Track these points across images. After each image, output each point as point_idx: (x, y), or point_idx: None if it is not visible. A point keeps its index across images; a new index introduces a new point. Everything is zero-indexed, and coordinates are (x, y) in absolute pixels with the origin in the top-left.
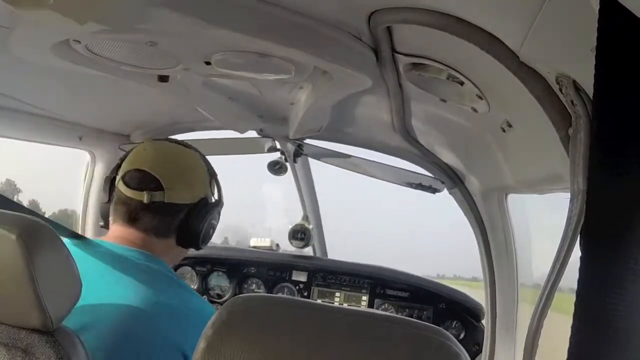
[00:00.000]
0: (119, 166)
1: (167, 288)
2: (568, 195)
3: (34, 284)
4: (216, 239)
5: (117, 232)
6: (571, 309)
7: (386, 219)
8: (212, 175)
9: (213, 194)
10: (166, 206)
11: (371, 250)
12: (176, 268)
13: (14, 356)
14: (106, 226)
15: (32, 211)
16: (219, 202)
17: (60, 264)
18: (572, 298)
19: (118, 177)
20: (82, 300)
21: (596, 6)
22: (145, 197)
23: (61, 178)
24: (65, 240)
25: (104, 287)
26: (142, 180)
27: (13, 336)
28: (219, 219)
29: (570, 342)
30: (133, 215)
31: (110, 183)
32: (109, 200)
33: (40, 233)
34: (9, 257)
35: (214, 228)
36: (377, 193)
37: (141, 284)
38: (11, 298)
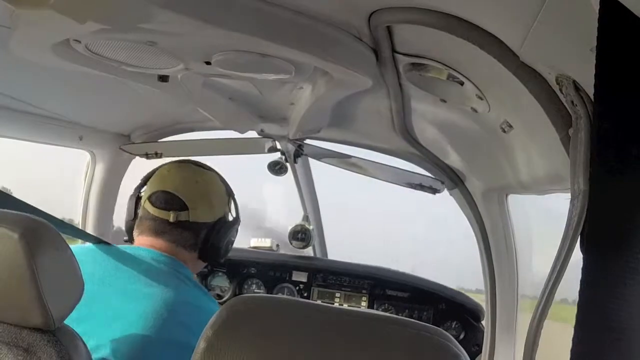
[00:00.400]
0: (142, 185)
1: (188, 290)
2: (568, 195)
3: (36, 283)
4: None
5: (146, 242)
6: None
7: (386, 224)
8: (229, 194)
9: (231, 212)
10: (190, 224)
11: (371, 255)
12: None
13: (15, 355)
14: (130, 240)
15: (39, 210)
16: (237, 220)
17: (62, 263)
18: (571, 307)
19: (144, 197)
20: (105, 300)
21: (596, 6)
22: (171, 216)
23: (57, 182)
24: (91, 245)
25: (125, 288)
26: (169, 201)
27: (15, 335)
28: (236, 235)
29: (573, 342)
30: (160, 230)
31: (136, 202)
32: (134, 218)
33: (42, 232)
34: (11, 256)
35: (232, 243)
36: (380, 196)
37: (164, 286)
38: (13, 297)
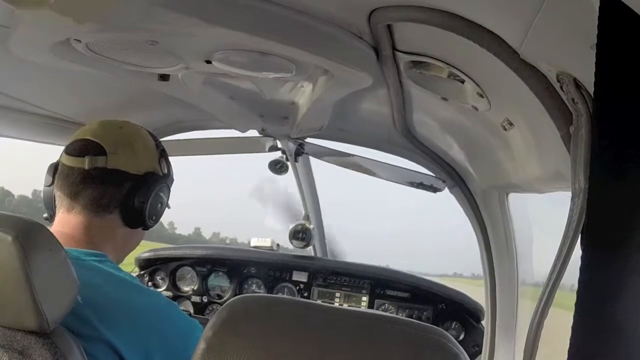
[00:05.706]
0: None
1: (104, 285)
2: (569, 194)
3: (30, 285)
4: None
5: (58, 226)
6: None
7: (388, 218)
8: (161, 152)
9: (162, 169)
10: (109, 173)
11: (373, 249)
12: (176, 268)
13: (10, 358)
14: (51, 218)
15: None
16: (168, 176)
17: (56, 265)
18: (573, 295)
19: (62, 152)
20: None
21: (596, 3)
22: (86, 163)
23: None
24: None
25: None
26: (84, 147)
27: (9, 338)
28: (168, 195)
29: (571, 342)
30: (74, 190)
31: (55, 168)
32: (52, 183)
33: (36, 234)
34: (5, 259)
35: (162, 204)
36: (381, 192)
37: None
38: (7, 300)
